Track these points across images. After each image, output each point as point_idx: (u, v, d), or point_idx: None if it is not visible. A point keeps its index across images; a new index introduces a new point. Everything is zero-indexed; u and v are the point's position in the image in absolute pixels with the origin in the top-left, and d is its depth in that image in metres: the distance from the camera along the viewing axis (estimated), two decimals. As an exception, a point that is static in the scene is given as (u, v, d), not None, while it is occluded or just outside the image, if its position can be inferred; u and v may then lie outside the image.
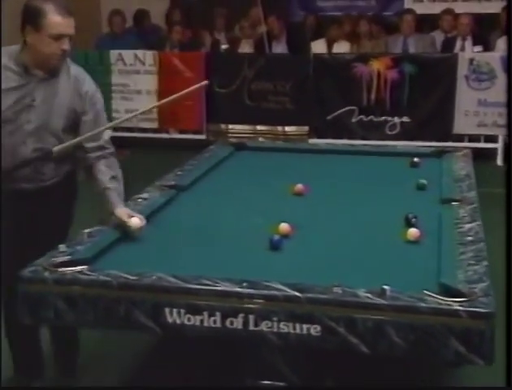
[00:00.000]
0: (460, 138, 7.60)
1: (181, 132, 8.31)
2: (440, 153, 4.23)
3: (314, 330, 2.18)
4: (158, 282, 2.31)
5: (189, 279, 2.31)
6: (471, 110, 7.57)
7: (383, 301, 2.14)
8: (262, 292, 2.23)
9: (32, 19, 2.65)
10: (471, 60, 7.57)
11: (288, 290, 2.22)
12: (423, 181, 3.56)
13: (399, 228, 2.90)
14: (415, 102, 7.58)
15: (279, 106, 7.82)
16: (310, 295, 2.19)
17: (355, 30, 8.39)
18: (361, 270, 2.50)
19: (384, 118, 7.66)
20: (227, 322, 2.24)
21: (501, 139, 7.62)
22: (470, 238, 2.69)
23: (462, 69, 7.54)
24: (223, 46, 8.84)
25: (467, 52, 7.81)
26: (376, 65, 7.63)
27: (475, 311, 2.06)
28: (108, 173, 2.87)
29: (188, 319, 2.27)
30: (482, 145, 7.61)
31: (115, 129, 8.24)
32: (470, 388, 1.75)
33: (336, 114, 7.68)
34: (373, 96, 7.63)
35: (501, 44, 7.97)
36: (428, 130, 7.54)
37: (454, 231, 2.79)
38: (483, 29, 8.34)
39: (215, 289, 2.26)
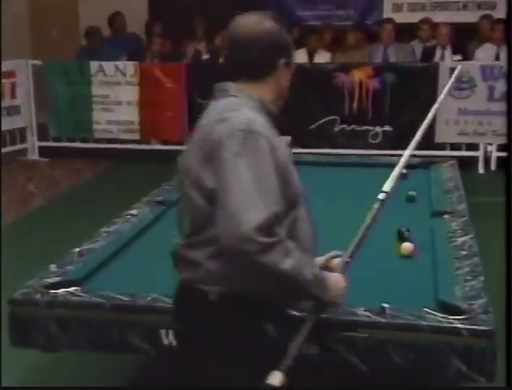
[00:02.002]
0: (442, 147, 7.64)
1: (163, 143, 8.26)
2: (427, 164, 4.23)
3: (313, 349, 2.15)
4: (153, 303, 2.28)
5: (185, 299, 2.28)
6: (452, 118, 7.60)
7: (382, 320, 2.13)
8: (260, 312, 2.20)
9: (287, 52, 1.93)
10: (452, 69, 7.59)
11: (287, 309, 2.19)
12: (413, 193, 3.55)
13: (392, 242, 2.88)
14: (397, 111, 7.59)
15: (261, 116, 7.79)
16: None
17: (336, 39, 8.40)
18: (356, 286, 2.47)
19: (366, 127, 7.66)
20: (225, 343, 2.20)
21: (481, 147, 7.66)
22: (464, 252, 2.68)
23: (443, 78, 7.57)
24: (205, 57, 8.81)
25: (447, 61, 7.84)
26: (358, 74, 7.63)
27: (476, 329, 2.05)
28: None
29: (185, 340, 2.23)
30: (463, 153, 7.65)
31: (97, 141, 8.23)
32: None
33: (318, 123, 7.68)
34: (355, 105, 7.63)
35: (480, 53, 8.03)
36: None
37: (448, 245, 2.78)
38: (462, 38, 8.38)
39: (212, 310, 2.23)
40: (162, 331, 2.23)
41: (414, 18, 8.98)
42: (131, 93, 7.99)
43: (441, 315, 2.11)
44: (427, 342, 2.07)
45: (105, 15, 9.18)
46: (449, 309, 2.16)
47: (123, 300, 2.28)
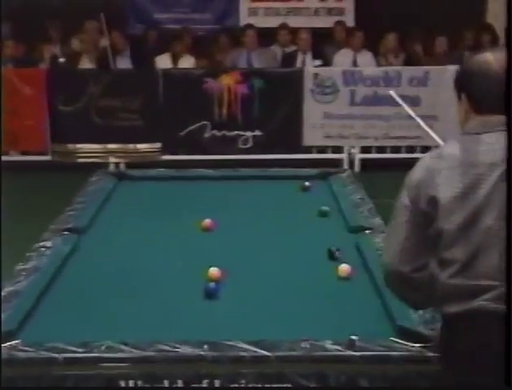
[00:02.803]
0: (309, 150, 7.82)
1: (23, 153, 7.77)
2: (325, 175, 4.26)
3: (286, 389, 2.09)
4: (109, 352, 2.10)
5: (143, 345, 2.13)
6: (318, 122, 7.80)
7: (354, 353, 2.10)
8: (227, 354, 2.11)
9: None
10: (316, 75, 7.80)
11: (255, 349, 2.11)
12: (326, 208, 3.56)
13: (324, 262, 2.88)
14: (266, 116, 7.67)
15: (130, 123, 7.53)
16: (278, 353, 2.10)
17: (199, 44, 8.33)
18: (308, 315, 2.44)
19: (236, 132, 7.67)
20: (191, 390, 2.09)
21: (345, 149, 7.92)
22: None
23: (308, 83, 7.75)
24: (60, 60, 8.38)
25: (310, 66, 8.02)
26: (226, 80, 7.62)
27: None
28: None
29: (147, 390, 2.09)
30: (329, 156, 7.90)
31: None
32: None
33: (188, 129, 7.57)
34: (224, 111, 7.61)
35: (338, 58, 8.28)
36: (279, 143, 7.65)
37: (382, 263, 2.81)
38: (319, 43, 8.59)
39: (175, 355, 2.10)
40: (122, 383, 2.07)
41: (270, 23, 9.09)
42: (-16, 101, 7.43)
43: (410, 344, 2.12)
44: (399, 372, 2.08)
45: None
46: (412, 336, 2.17)
47: (76, 351, 2.08)
